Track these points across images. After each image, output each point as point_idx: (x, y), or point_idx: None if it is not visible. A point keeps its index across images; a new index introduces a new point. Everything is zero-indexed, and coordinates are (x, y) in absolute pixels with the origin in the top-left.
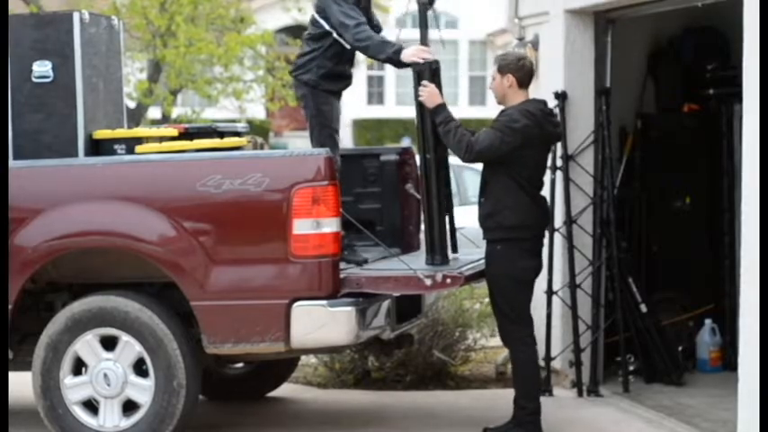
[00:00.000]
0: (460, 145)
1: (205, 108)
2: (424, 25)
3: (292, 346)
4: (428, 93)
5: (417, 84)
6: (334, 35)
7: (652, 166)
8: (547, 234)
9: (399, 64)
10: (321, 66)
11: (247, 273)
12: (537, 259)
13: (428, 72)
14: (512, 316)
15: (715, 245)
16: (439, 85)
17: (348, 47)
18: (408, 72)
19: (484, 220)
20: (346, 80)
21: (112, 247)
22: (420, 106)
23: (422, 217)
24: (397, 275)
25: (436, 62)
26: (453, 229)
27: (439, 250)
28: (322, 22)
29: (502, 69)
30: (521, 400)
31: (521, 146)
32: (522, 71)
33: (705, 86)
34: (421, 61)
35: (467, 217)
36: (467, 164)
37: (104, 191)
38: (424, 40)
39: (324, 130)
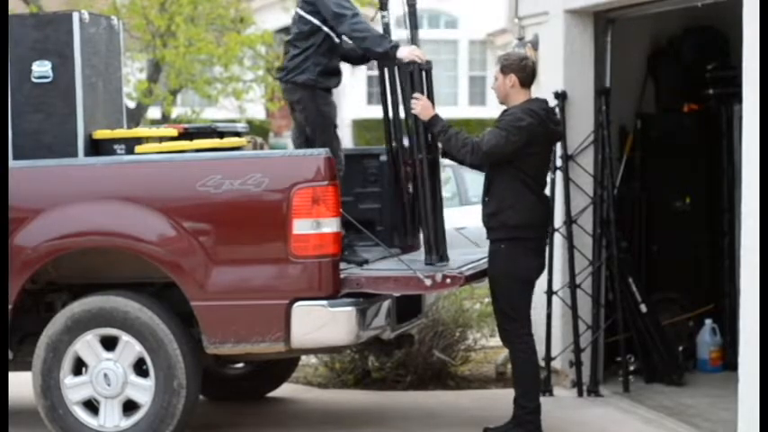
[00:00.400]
0: (466, 148)
1: (205, 108)
2: (413, 26)
3: (292, 346)
4: (421, 105)
5: (410, 83)
6: (325, 29)
7: (652, 166)
8: None
9: (392, 61)
10: (317, 63)
11: (247, 273)
12: (540, 258)
13: (417, 73)
14: (512, 315)
15: (715, 245)
16: (430, 86)
17: (337, 40)
18: None
19: (488, 219)
20: (339, 76)
21: (112, 247)
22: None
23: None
24: (397, 275)
25: (429, 63)
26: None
27: (435, 250)
28: (310, 17)
29: (504, 69)
30: (520, 400)
31: (526, 144)
32: (524, 71)
33: (705, 86)
34: (419, 61)
35: (467, 217)
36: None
37: (104, 191)
38: (414, 41)
39: (327, 131)
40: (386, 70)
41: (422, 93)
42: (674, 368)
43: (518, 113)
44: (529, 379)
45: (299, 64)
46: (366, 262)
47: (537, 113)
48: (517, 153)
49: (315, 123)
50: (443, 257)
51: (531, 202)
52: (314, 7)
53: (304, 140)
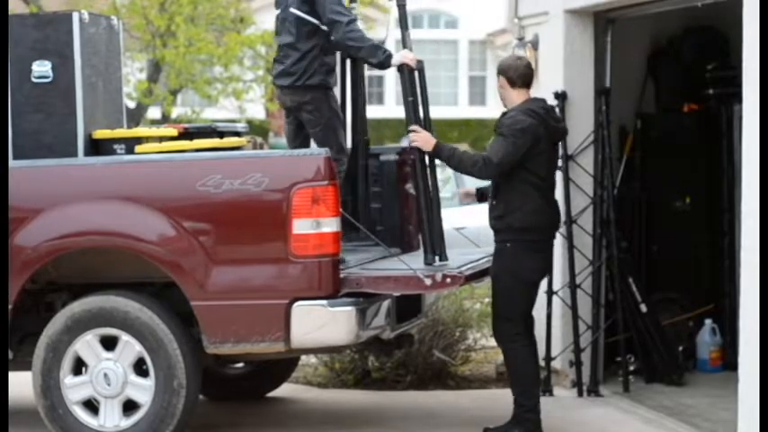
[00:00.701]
0: (477, 165)
1: (205, 108)
2: (404, 26)
3: (292, 345)
4: (423, 139)
5: (404, 83)
6: (324, 28)
7: (652, 166)
8: None
9: (384, 67)
10: (323, 63)
11: (247, 273)
12: (545, 261)
13: (409, 75)
14: (507, 315)
15: (715, 245)
16: (424, 86)
17: (333, 38)
18: None
19: (495, 222)
20: (335, 73)
21: (112, 246)
22: (412, 103)
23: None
24: (397, 275)
25: (420, 63)
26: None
27: (433, 249)
28: (310, 18)
29: (499, 72)
30: (519, 398)
31: (531, 145)
32: (517, 71)
33: (705, 86)
34: (411, 64)
35: (467, 217)
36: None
37: (104, 191)
38: (404, 41)
39: (340, 129)
40: (348, 67)
41: (414, 94)
42: (674, 368)
43: (517, 116)
44: (524, 377)
45: (306, 67)
46: (343, 261)
47: (536, 113)
48: (525, 155)
49: (329, 122)
50: (443, 257)
51: (537, 205)
52: (311, 7)
53: (300, 142)
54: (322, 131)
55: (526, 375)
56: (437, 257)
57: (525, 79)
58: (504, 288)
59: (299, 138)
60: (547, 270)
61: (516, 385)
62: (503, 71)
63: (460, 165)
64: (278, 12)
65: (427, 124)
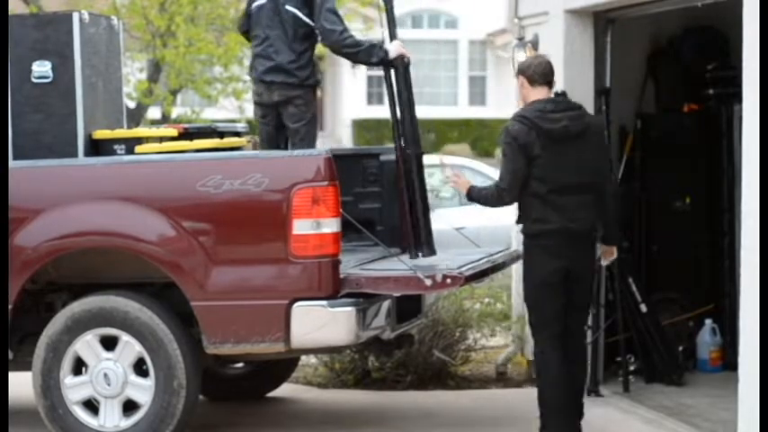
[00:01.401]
0: (493, 195)
1: (205, 108)
2: (392, 24)
3: (292, 346)
4: (462, 184)
5: (390, 78)
6: (317, 31)
7: (652, 166)
8: None
9: (384, 64)
10: (314, 63)
11: (247, 273)
12: (561, 261)
13: (402, 68)
14: (530, 319)
15: (715, 245)
16: (408, 81)
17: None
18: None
19: (516, 223)
20: None
21: (112, 247)
22: (393, 104)
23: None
24: (397, 275)
25: (408, 58)
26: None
27: (424, 246)
28: (308, 20)
29: (517, 74)
30: (540, 409)
31: (526, 150)
32: (529, 69)
33: (705, 86)
34: (407, 56)
35: (466, 217)
36: (472, 163)
37: (104, 191)
38: (393, 37)
39: (317, 128)
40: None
41: (405, 87)
42: (674, 368)
43: (508, 125)
44: (541, 386)
45: (303, 65)
46: None
47: (526, 117)
48: (528, 162)
49: (312, 118)
50: (431, 251)
51: (539, 213)
52: (311, 9)
53: (279, 143)
54: (305, 127)
55: (542, 384)
56: (425, 252)
57: (542, 77)
58: (525, 293)
59: (276, 138)
60: (571, 271)
61: (538, 390)
62: (523, 71)
63: (486, 201)
64: (259, 1)
65: (414, 123)
